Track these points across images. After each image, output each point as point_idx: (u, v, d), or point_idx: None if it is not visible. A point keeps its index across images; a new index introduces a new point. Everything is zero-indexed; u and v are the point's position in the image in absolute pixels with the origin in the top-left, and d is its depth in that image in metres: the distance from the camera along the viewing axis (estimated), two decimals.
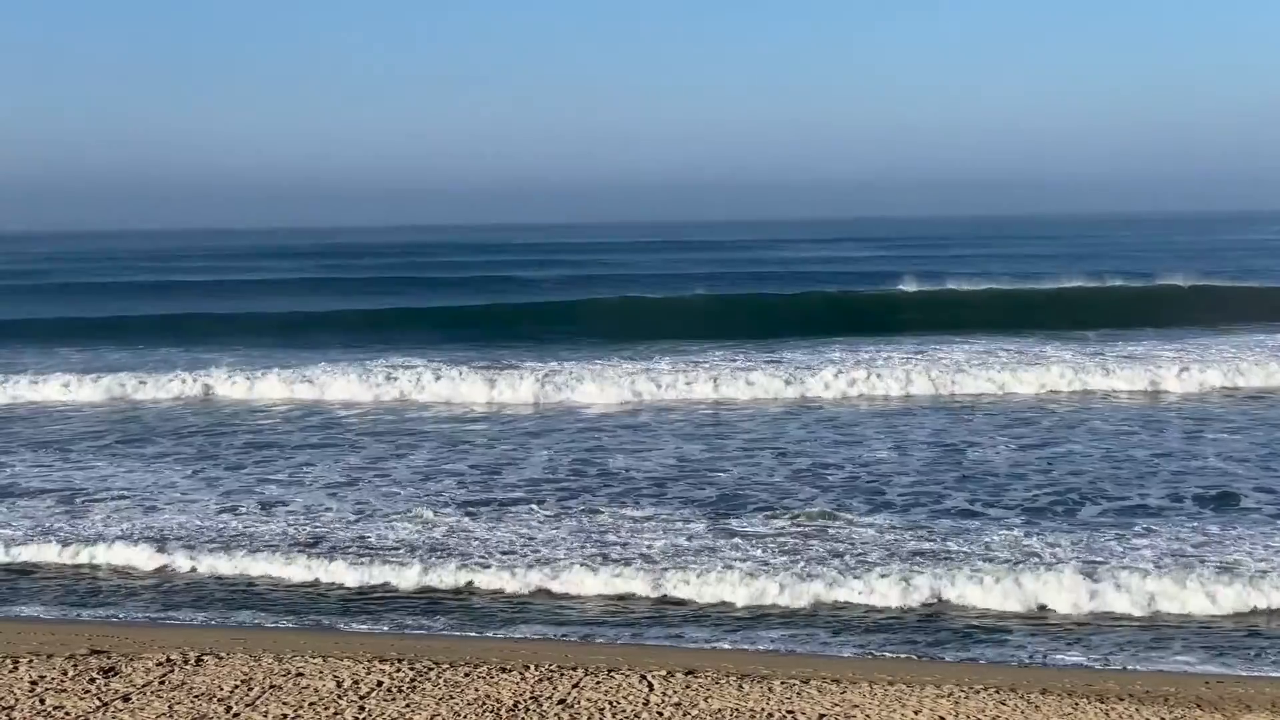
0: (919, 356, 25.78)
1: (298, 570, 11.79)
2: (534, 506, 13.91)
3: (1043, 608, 10.47)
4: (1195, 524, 12.74)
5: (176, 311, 40.14)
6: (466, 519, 13.43)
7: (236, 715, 7.03)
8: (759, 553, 11.84)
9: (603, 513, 13.57)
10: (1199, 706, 7.58)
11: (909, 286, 40.62)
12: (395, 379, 23.82)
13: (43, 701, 7.26)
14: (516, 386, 22.98)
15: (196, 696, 7.35)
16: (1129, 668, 9.13)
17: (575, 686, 7.58)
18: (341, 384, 23.60)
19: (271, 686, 7.55)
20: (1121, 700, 7.64)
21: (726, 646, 9.70)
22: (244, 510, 14.17)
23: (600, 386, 22.66)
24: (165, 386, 24.09)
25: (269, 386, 23.85)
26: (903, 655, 9.46)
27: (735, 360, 25.91)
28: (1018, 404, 21.48)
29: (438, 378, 23.84)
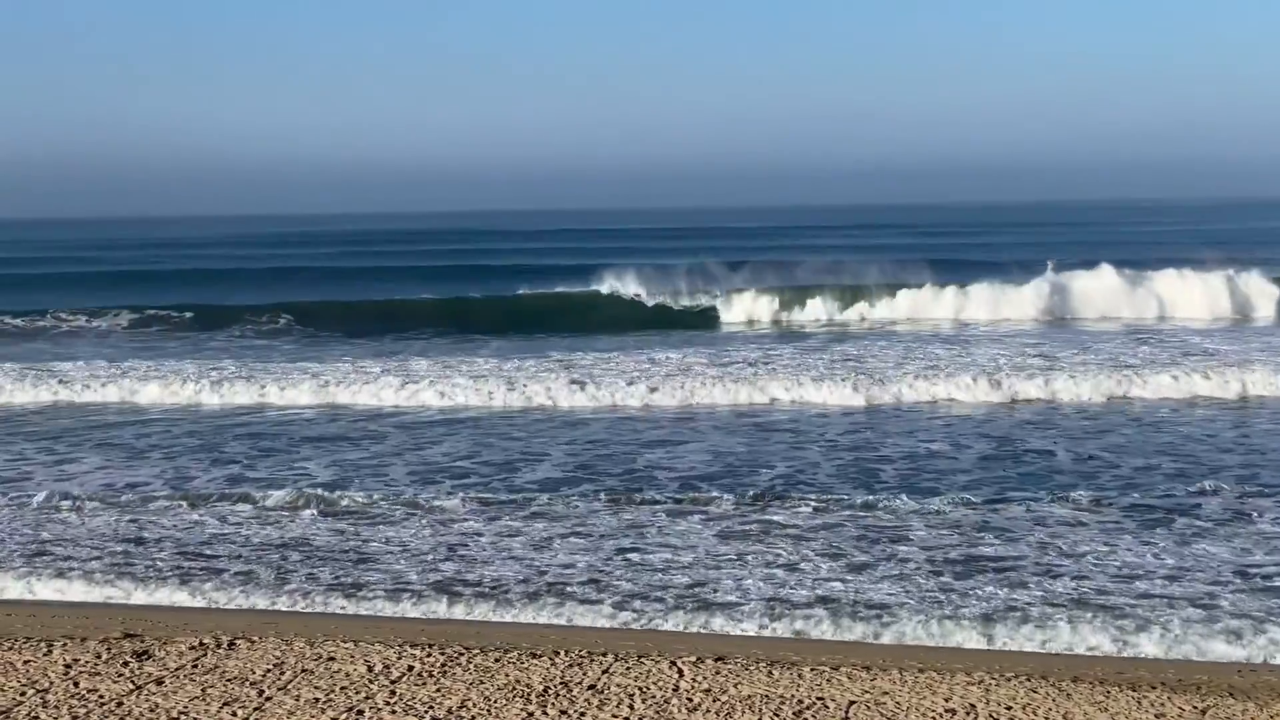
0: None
1: None
2: None
3: None
4: None
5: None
6: None
7: (269, 699, 7.06)
8: None
9: None
10: (1231, 695, 7.54)
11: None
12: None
13: (76, 684, 7.31)
14: None
15: (229, 680, 7.38)
16: (1161, 656, 9.09)
17: (605, 672, 7.59)
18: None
19: (303, 670, 7.58)
20: (1154, 689, 7.60)
21: (756, 633, 9.69)
22: None
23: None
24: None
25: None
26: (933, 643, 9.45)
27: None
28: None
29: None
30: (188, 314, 36.34)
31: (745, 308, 37.03)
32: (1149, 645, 9.29)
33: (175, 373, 24.25)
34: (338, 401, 21.98)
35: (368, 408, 21.50)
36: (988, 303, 35.89)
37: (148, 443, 18.36)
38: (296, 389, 22.49)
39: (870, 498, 13.71)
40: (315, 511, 13.55)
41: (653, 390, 21.54)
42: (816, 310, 36.72)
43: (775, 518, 12.94)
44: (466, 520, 13.15)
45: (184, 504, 14.11)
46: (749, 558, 11.52)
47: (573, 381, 22.22)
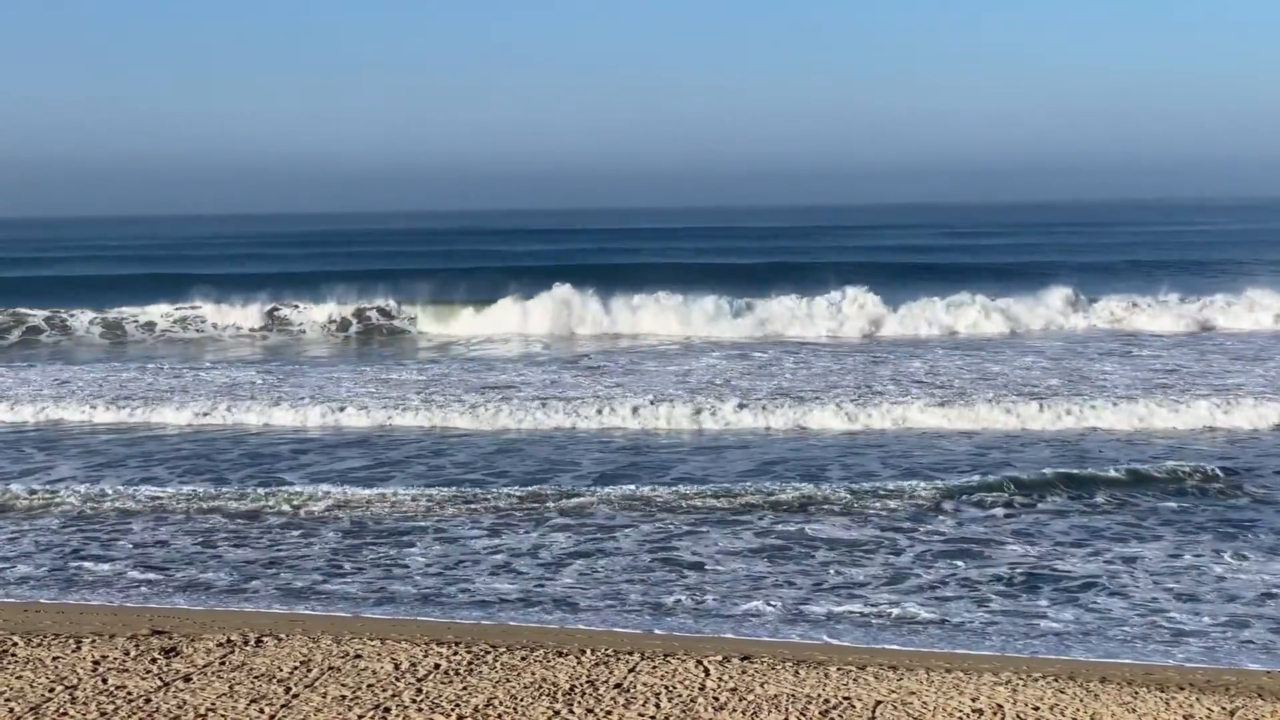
0: None
1: None
2: None
3: None
4: None
5: None
6: None
7: (296, 696, 7.07)
8: None
9: None
10: (1260, 696, 7.49)
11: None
12: None
13: (105, 681, 7.34)
14: None
15: (256, 677, 7.41)
16: (1189, 659, 9.06)
17: (631, 671, 7.58)
18: None
19: (330, 668, 7.60)
20: (1182, 690, 7.56)
21: (783, 632, 9.68)
22: None
23: None
24: None
25: None
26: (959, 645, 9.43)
27: None
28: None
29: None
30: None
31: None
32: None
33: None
34: None
35: None
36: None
37: None
38: None
39: None
40: None
41: None
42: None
43: None
44: None
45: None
46: None
47: None
